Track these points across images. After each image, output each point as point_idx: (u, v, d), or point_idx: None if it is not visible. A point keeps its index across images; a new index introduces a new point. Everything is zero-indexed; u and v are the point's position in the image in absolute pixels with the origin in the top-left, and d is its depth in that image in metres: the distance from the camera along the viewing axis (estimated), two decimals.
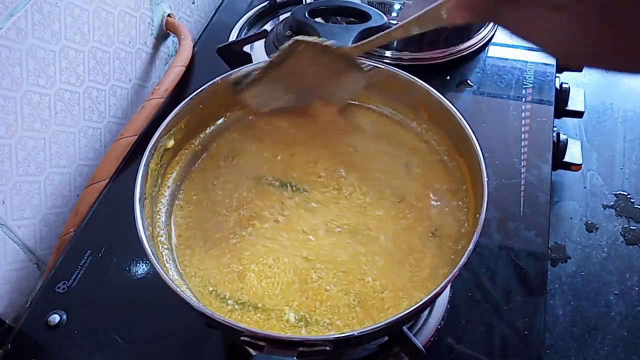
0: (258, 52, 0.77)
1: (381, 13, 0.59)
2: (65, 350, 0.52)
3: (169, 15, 0.79)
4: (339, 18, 0.68)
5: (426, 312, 0.51)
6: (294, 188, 0.50)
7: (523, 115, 0.68)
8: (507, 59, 0.76)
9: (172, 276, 0.42)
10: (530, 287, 0.53)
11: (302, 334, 0.41)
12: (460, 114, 0.47)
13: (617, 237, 0.67)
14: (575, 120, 0.89)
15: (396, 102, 0.53)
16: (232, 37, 0.81)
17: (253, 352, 0.37)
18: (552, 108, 0.69)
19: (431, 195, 0.48)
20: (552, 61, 0.75)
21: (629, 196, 0.71)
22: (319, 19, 0.62)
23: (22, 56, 0.54)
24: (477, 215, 0.41)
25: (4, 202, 0.56)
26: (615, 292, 0.62)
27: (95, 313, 0.54)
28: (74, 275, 0.56)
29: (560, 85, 0.76)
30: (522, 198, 0.60)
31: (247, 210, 0.48)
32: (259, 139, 0.53)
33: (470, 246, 0.39)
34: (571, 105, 0.77)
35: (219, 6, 0.87)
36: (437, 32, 0.74)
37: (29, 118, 0.57)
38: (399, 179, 0.49)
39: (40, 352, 0.52)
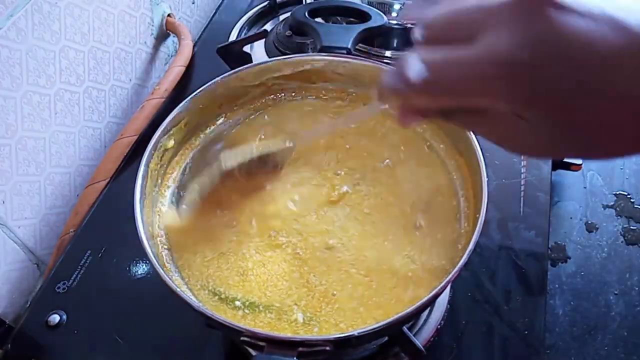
0: (258, 52, 0.77)
1: (381, 13, 0.59)
2: (65, 350, 0.52)
3: (169, 15, 0.79)
4: (338, 18, 0.68)
5: (426, 312, 0.51)
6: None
7: None
8: None
9: (172, 276, 0.42)
10: (530, 287, 0.53)
11: (315, 332, 0.41)
12: None
13: (617, 237, 0.67)
14: None
15: None
16: (232, 37, 0.81)
17: (253, 352, 0.37)
18: None
19: (431, 196, 0.48)
20: None
21: (629, 196, 0.70)
22: (318, 19, 0.62)
23: (22, 56, 0.54)
24: (477, 215, 0.41)
25: (4, 202, 0.56)
26: (615, 292, 0.62)
27: (95, 313, 0.54)
28: (74, 275, 0.56)
29: None
30: (522, 198, 0.60)
31: (247, 210, 0.48)
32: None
33: (470, 246, 0.39)
34: None
35: (219, 6, 0.87)
36: None
37: (29, 118, 0.57)
38: (398, 179, 0.49)
39: (40, 352, 0.52)
